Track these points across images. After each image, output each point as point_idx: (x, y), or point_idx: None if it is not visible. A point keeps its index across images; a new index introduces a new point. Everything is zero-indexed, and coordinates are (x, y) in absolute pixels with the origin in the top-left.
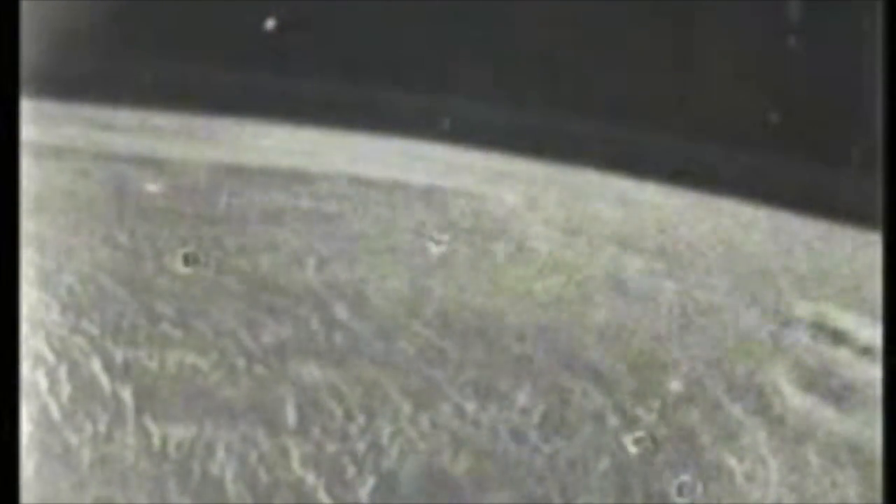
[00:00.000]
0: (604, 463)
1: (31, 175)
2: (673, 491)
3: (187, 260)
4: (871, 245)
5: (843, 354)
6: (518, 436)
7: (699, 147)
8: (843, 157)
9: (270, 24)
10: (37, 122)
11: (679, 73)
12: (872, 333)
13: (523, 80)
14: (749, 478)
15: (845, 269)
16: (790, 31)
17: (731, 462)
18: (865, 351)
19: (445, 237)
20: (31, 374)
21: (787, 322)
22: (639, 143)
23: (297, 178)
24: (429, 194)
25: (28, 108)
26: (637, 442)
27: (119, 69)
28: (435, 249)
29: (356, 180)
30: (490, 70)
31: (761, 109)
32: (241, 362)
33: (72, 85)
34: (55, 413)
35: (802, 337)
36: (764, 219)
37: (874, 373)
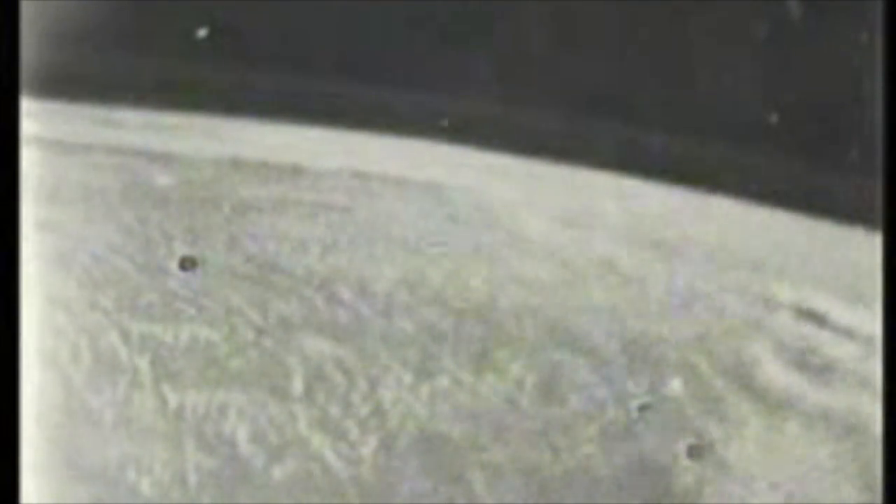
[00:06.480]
0: (592, 429)
1: (46, 169)
2: (682, 454)
3: (184, 265)
4: (858, 238)
5: (823, 335)
6: (511, 404)
7: (698, 146)
8: (842, 157)
9: (202, 32)
10: (47, 120)
11: (679, 71)
12: (852, 316)
13: (522, 79)
14: (729, 445)
15: (830, 258)
16: (790, 30)
17: (715, 430)
18: (845, 332)
19: (444, 227)
20: (53, 346)
21: (770, 305)
22: (637, 141)
23: (300, 173)
24: (428, 188)
25: (38, 108)
26: (632, 411)
27: (122, 69)
28: (434, 238)
29: (358, 175)
30: (490, 69)
31: (761, 109)
32: (250, 335)
33: (77, 85)
34: (77, 381)
35: (785, 318)
36: (758, 215)
37: (852, 351)
